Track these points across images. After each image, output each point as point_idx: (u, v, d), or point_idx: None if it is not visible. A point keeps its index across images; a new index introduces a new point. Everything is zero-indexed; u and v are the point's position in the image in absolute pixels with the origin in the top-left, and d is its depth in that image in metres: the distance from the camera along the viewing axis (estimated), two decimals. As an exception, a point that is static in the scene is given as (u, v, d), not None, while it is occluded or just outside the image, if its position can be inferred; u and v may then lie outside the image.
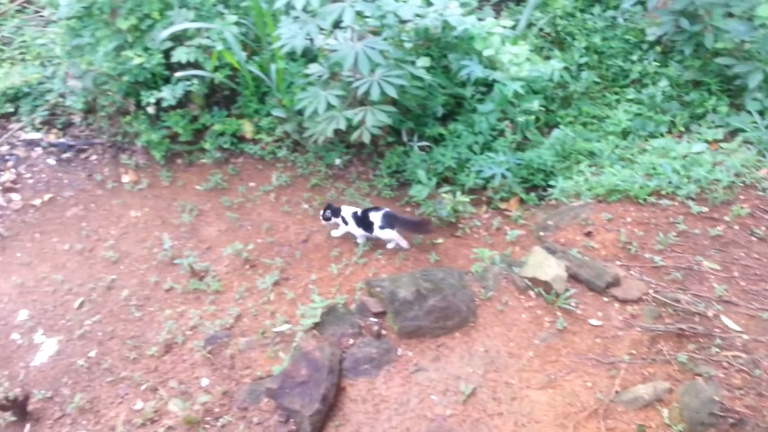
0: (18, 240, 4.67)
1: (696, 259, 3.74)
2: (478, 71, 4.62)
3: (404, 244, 4.26)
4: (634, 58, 5.52)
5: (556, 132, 4.93)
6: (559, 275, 3.53)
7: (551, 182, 4.67)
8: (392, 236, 4.17)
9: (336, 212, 4.30)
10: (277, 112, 4.99)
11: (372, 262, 4.27)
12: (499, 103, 4.73)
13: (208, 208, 4.89)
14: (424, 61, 4.69)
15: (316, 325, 3.53)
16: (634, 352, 3.28)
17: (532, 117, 4.97)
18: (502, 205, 4.71)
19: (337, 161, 5.10)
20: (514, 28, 4.81)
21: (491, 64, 4.82)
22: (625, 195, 4.23)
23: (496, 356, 3.33)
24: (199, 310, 4.04)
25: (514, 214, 4.55)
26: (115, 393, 3.59)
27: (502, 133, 4.94)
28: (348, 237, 4.44)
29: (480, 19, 4.81)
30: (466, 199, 4.40)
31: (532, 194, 4.75)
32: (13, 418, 3.43)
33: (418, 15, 4.70)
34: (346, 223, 4.29)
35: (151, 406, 3.39)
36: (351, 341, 3.39)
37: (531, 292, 3.61)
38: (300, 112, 4.94)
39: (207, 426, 3.25)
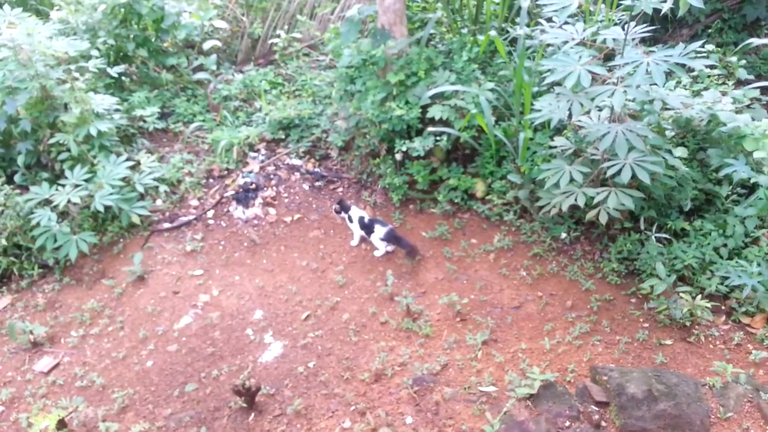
0: (266, 248, 5.34)
1: None
2: (742, 172, 4.31)
3: (380, 252, 5.14)
4: None
5: (823, 252, 4.36)
6: (820, 416, 3.08)
7: (812, 307, 4.12)
8: (383, 249, 5.10)
9: (346, 208, 5.22)
10: (513, 177, 5.12)
11: (588, 346, 4.12)
12: (762, 210, 4.34)
13: (429, 255, 5.13)
14: (681, 152, 4.50)
15: (530, 396, 3.49)
16: None
17: (796, 231, 4.47)
18: (745, 320, 4.25)
19: (564, 235, 5.05)
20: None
21: (758, 166, 4.46)
22: None
23: (729, 486, 2.98)
24: (409, 349, 4.22)
25: (759, 333, 4.08)
26: (327, 406, 3.86)
27: (756, 240, 4.51)
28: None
29: (753, 119, 4.50)
30: (706, 304, 4.07)
31: (784, 315, 4.23)
32: (244, 405, 3.86)
33: (683, 104, 4.55)
34: (351, 221, 5.19)
35: (359, 428, 3.58)
36: (567, 423, 3.28)
37: (780, 426, 3.20)
38: (534, 181, 5.03)
39: (409, 465, 3.35)
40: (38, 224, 5.00)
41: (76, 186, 5.17)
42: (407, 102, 5.28)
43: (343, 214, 5.29)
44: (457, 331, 4.38)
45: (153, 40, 6.76)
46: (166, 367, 4.31)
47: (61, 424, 3.81)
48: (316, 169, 5.93)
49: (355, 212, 5.21)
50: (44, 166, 5.63)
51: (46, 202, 5.13)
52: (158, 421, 3.87)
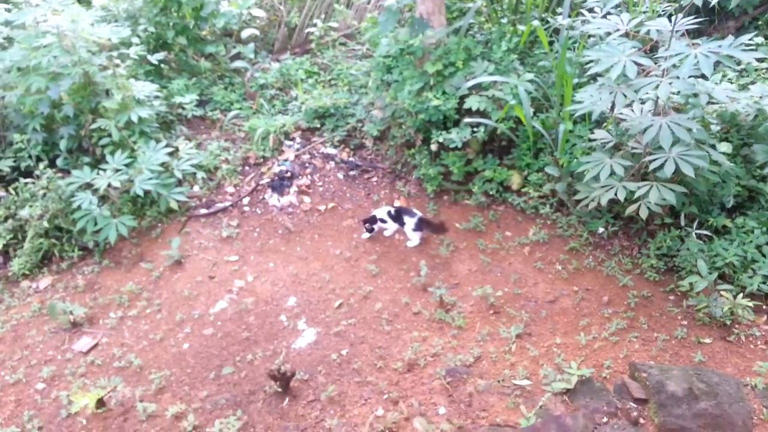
0: (301, 236, 5.38)
1: None
2: (790, 168, 4.18)
3: (414, 243, 5.16)
4: None
5: None
6: None
7: None
8: (415, 240, 5.12)
9: (372, 220, 5.17)
10: (551, 170, 5.05)
11: (625, 343, 4.05)
12: (810, 208, 4.21)
13: (463, 246, 5.11)
14: (726, 147, 4.38)
15: (567, 391, 3.45)
16: None
17: None
18: (788, 321, 4.15)
19: (601, 230, 4.97)
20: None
21: (807, 163, 4.33)
22: None
23: (771, 489, 2.92)
24: (442, 340, 4.21)
25: (804, 334, 3.98)
26: (360, 394, 3.88)
27: (802, 240, 4.37)
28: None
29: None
30: (748, 303, 3.97)
31: (829, 317, 4.11)
32: (279, 390, 3.90)
33: (729, 98, 4.43)
34: (384, 222, 5.14)
35: (392, 416, 3.59)
36: (605, 419, 3.24)
37: (827, 430, 3.11)
38: (573, 174, 4.96)
39: (442, 454, 3.35)
40: (79, 207, 5.12)
41: (117, 171, 5.27)
42: (444, 92, 5.25)
43: (378, 224, 5.18)
44: (491, 323, 4.35)
45: (192, 28, 6.84)
46: (202, 350, 4.38)
47: (100, 403, 3.91)
48: (351, 159, 5.94)
49: (380, 212, 5.16)
50: (86, 150, 5.75)
51: (87, 186, 5.25)
52: (194, 403, 3.94)
